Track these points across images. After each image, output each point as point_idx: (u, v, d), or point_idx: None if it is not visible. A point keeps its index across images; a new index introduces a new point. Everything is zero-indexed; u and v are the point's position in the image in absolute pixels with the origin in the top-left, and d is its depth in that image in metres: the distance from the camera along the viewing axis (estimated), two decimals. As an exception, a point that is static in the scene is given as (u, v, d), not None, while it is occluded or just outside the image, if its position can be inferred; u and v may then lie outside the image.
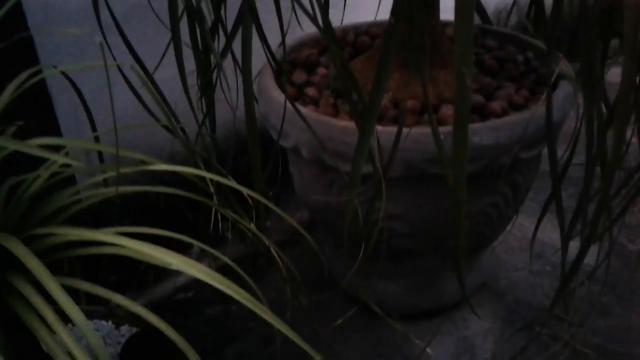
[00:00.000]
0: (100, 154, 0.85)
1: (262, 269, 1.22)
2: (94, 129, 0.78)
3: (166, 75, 0.80)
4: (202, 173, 0.65)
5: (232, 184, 0.66)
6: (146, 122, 0.81)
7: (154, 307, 0.59)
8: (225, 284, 0.55)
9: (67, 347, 0.47)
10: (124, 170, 0.63)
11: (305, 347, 0.54)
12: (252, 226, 0.72)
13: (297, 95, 0.88)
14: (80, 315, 0.47)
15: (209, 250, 0.68)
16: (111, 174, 0.71)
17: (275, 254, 0.72)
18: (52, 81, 0.91)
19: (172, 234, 0.64)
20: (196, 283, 1.18)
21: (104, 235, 0.54)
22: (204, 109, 0.82)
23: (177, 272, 1.24)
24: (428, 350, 0.97)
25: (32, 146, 0.53)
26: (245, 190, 0.68)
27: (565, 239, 0.74)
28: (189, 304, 1.20)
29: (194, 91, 0.81)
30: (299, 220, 1.33)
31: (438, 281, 1.00)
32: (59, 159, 0.54)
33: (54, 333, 0.51)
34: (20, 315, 0.52)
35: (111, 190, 0.66)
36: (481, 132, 0.75)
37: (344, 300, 1.07)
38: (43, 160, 0.70)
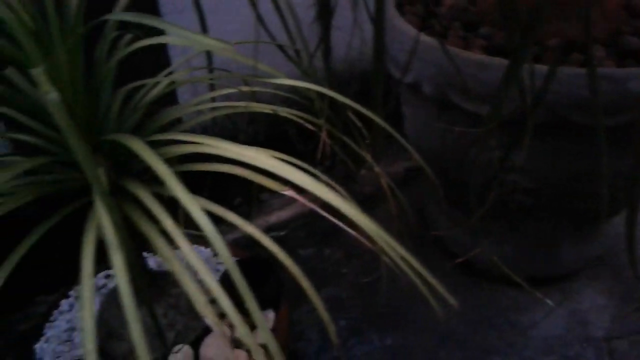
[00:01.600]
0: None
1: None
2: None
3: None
4: (326, 91, 0.60)
5: (357, 106, 0.60)
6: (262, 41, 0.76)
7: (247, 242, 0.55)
8: (356, 213, 0.50)
9: (186, 258, 0.44)
10: (254, 81, 0.59)
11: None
12: (370, 159, 0.66)
13: (421, 27, 0.81)
14: (209, 225, 0.43)
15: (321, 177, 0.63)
16: (228, 90, 0.68)
17: (389, 192, 0.67)
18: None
19: (295, 161, 0.59)
20: (289, 222, 1.15)
21: (234, 146, 0.50)
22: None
23: (270, 210, 1.22)
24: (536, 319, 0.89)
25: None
26: (373, 117, 0.62)
27: None
28: (282, 243, 1.18)
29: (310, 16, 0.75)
30: (396, 172, 1.27)
31: (553, 248, 0.91)
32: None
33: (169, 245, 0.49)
34: (136, 224, 0.50)
35: (239, 105, 0.62)
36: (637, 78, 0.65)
37: (443, 258, 1.01)
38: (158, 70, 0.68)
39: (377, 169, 0.68)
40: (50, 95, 0.34)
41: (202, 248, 0.85)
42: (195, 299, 0.47)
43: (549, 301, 0.90)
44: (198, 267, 0.46)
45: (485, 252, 0.93)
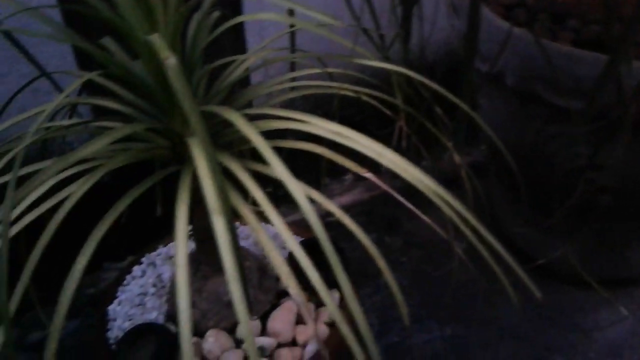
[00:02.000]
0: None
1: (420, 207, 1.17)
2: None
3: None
4: (416, 75, 0.60)
5: (444, 92, 0.60)
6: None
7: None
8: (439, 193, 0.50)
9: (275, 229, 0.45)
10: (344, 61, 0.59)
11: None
12: (450, 145, 0.66)
13: (506, 16, 0.79)
14: (304, 199, 0.44)
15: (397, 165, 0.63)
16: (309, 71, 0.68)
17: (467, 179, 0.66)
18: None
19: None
20: (349, 208, 1.16)
21: (328, 123, 0.51)
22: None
23: (330, 195, 1.23)
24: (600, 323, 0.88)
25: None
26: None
27: None
28: (341, 227, 1.19)
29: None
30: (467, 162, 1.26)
31: (624, 250, 0.89)
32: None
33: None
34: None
35: (322, 84, 0.62)
36: None
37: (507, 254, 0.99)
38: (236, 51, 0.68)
39: (457, 157, 0.68)
40: (170, 60, 0.36)
41: (270, 226, 0.87)
42: (280, 269, 0.48)
43: (622, 309, 0.88)
44: (287, 239, 0.47)
45: (551, 250, 0.91)
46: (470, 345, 0.84)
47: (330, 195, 1.21)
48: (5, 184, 0.50)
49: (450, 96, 0.60)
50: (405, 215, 1.15)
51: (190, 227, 0.87)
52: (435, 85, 0.59)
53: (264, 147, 0.44)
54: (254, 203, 0.51)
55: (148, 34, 0.52)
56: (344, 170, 1.27)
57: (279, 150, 0.58)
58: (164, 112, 0.58)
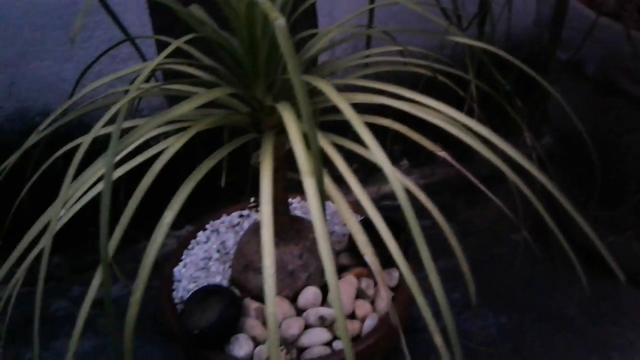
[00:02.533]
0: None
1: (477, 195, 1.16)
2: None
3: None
4: (502, 52, 0.59)
5: (528, 70, 0.59)
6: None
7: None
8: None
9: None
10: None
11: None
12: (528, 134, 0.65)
13: (590, 5, 0.78)
14: (388, 164, 0.45)
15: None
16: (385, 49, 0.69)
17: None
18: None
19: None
20: (407, 193, 1.16)
21: (419, 96, 0.51)
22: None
23: (384, 179, 1.23)
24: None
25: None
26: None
27: None
28: (396, 213, 1.20)
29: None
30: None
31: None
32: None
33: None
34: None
35: (401, 62, 0.63)
36: None
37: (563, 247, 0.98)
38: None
39: (529, 139, 0.67)
40: (279, 21, 0.37)
41: (330, 203, 0.88)
42: (357, 238, 0.49)
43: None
44: (367, 209, 0.48)
45: (614, 248, 0.89)
46: (525, 335, 0.83)
47: (384, 180, 1.21)
48: (104, 137, 0.53)
49: (538, 77, 0.59)
50: (461, 203, 1.15)
51: (253, 199, 0.90)
52: (519, 63, 0.58)
53: (356, 120, 0.45)
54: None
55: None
56: (400, 156, 1.27)
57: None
58: (246, 79, 0.59)
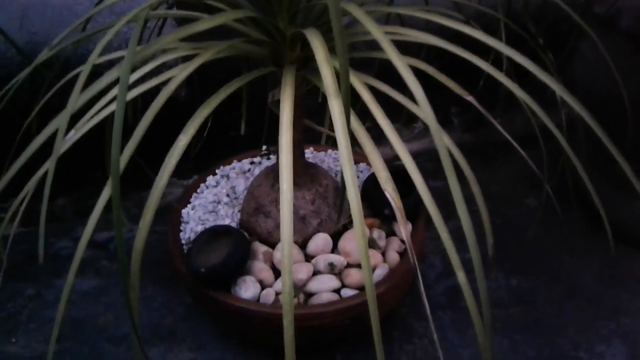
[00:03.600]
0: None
1: (491, 160, 1.14)
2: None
3: None
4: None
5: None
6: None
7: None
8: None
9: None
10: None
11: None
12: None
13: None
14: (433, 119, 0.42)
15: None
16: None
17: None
18: None
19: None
20: (417, 155, 1.14)
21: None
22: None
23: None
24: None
25: None
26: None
27: None
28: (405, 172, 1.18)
29: None
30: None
31: None
32: None
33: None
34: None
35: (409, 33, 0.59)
36: None
37: (580, 214, 0.96)
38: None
39: (561, 93, 0.65)
40: None
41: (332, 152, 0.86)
42: (379, 174, 0.47)
43: None
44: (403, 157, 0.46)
45: (632, 215, 0.88)
46: (535, 300, 0.82)
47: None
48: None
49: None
50: (477, 166, 1.12)
51: (265, 147, 0.87)
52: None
53: (399, 61, 0.42)
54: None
55: None
56: (415, 117, 1.24)
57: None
58: (268, 5, 0.56)
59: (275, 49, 0.57)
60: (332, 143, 0.90)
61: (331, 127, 0.46)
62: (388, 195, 0.46)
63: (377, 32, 0.42)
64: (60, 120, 0.41)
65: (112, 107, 0.47)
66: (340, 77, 0.36)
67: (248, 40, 0.58)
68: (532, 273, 0.86)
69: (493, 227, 0.61)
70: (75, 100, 0.41)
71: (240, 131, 0.91)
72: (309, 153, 0.87)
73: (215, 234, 0.67)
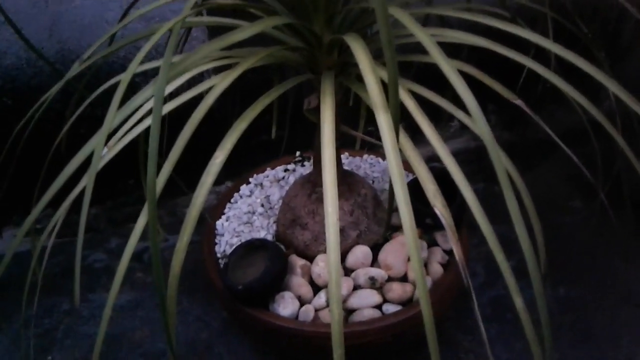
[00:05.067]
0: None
1: (532, 160, 1.09)
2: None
3: None
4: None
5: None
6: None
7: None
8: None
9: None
10: None
11: None
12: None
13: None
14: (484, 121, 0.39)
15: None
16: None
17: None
18: None
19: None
20: (455, 155, 1.10)
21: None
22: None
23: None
24: None
25: None
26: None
27: None
28: (446, 174, 1.14)
29: None
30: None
31: None
32: None
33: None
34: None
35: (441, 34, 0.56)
36: None
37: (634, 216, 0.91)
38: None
39: (615, 91, 0.61)
40: None
41: (380, 159, 0.83)
42: (426, 187, 0.44)
43: None
44: (449, 164, 0.43)
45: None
46: (586, 308, 0.78)
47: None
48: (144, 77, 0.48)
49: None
50: (518, 166, 1.08)
51: (298, 153, 0.85)
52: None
53: (447, 66, 0.39)
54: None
55: None
56: (451, 117, 1.20)
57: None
58: (303, 10, 0.53)
59: (311, 55, 0.55)
60: (368, 148, 0.87)
61: (365, 131, 0.43)
62: (438, 212, 0.43)
63: (424, 37, 0.39)
64: (97, 140, 0.39)
65: (147, 122, 0.45)
66: (390, 93, 0.34)
67: (284, 47, 0.55)
68: (582, 281, 0.82)
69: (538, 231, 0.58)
70: (111, 121, 0.39)
71: (272, 135, 0.89)
72: (344, 159, 0.84)
73: (251, 247, 0.64)
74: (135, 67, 0.38)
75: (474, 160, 1.07)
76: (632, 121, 0.63)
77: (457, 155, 1.21)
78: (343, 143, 0.86)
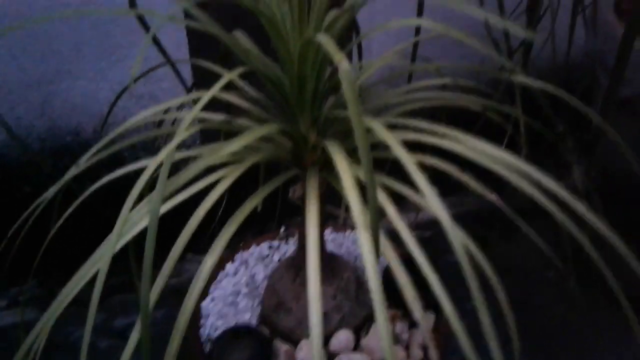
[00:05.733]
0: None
1: (511, 229, 1.12)
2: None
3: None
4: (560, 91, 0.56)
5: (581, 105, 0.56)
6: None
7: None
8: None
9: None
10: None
11: None
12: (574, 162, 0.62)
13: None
14: (446, 216, 0.42)
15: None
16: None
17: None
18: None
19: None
20: (435, 224, 1.13)
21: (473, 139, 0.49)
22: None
23: (414, 208, 1.19)
24: None
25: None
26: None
27: None
28: (426, 244, 1.16)
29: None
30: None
31: None
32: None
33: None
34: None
35: (440, 97, 0.60)
36: None
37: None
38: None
39: (579, 174, 0.64)
40: (343, 64, 0.34)
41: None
42: (405, 293, 0.46)
43: None
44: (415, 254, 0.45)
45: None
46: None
47: (414, 209, 1.18)
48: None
49: (590, 113, 0.55)
50: (495, 238, 1.11)
51: (283, 228, 0.87)
52: (575, 100, 0.55)
53: (410, 164, 0.42)
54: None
55: (297, 32, 0.51)
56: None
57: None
58: (291, 112, 0.56)
59: (297, 153, 0.57)
60: (351, 225, 0.89)
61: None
62: (417, 318, 0.45)
63: (391, 141, 0.42)
64: (100, 265, 0.41)
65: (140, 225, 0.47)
66: (370, 217, 0.36)
67: (274, 147, 0.58)
68: (558, 354, 0.84)
69: (514, 304, 0.60)
70: (121, 226, 0.41)
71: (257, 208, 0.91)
72: (328, 234, 0.86)
73: (235, 333, 0.65)
74: (131, 204, 0.41)
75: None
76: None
77: (437, 223, 1.23)
78: (327, 217, 0.88)
